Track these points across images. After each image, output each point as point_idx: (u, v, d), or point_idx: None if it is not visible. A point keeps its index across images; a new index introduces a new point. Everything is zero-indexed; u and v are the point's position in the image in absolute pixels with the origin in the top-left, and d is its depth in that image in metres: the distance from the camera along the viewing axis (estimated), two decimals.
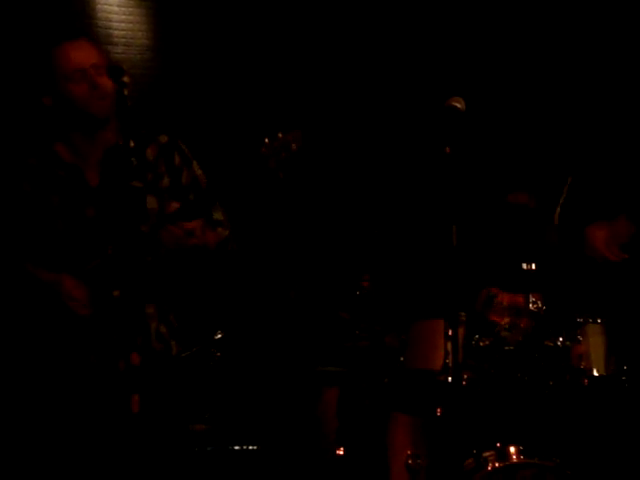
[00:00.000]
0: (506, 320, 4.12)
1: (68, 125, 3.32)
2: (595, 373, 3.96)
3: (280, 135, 3.12)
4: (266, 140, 3.11)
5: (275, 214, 5.35)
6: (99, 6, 5.47)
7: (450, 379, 3.74)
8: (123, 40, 5.48)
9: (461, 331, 3.92)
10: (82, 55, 3.28)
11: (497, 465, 3.79)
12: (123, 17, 5.52)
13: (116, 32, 5.44)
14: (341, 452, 4.16)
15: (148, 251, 3.24)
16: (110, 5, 5.49)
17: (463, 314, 4.00)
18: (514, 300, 4.15)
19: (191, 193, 3.40)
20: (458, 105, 3.22)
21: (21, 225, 3.30)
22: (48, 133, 3.41)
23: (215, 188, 3.34)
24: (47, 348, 3.21)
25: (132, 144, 3.29)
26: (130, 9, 5.54)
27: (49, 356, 3.20)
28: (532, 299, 4.13)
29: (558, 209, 4.52)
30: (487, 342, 4.06)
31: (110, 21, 5.46)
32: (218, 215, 3.39)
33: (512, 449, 3.84)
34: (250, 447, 4.52)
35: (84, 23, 5.43)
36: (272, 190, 3.19)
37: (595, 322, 4.03)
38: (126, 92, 3.08)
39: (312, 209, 5.60)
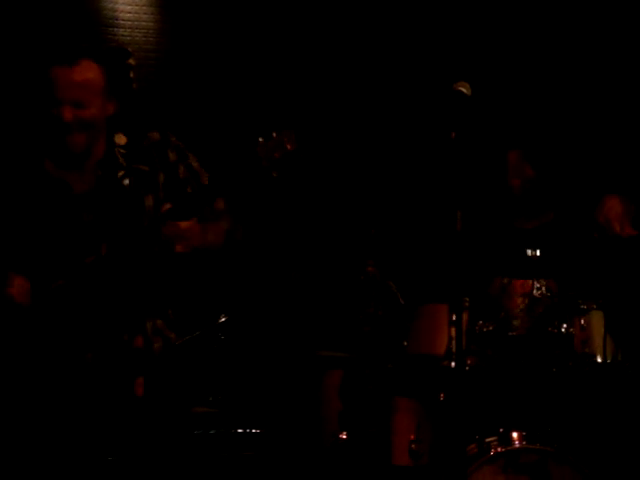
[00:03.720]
0: (520, 307, 4.12)
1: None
2: (598, 359, 3.97)
3: (274, 135, 3.09)
4: (260, 139, 3.08)
5: (271, 209, 5.32)
6: None
7: (453, 364, 3.74)
8: (129, 23, 5.46)
9: (465, 316, 3.92)
10: (68, 85, 3.15)
11: (500, 450, 3.80)
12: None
13: (122, 15, 5.43)
14: (344, 436, 4.17)
15: (147, 249, 3.20)
16: None
17: (467, 299, 4.00)
18: (528, 287, 4.15)
19: (189, 186, 3.36)
20: (464, 90, 3.20)
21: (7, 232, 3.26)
22: (40, 145, 3.33)
23: (216, 181, 3.32)
24: (48, 332, 3.20)
25: (124, 140, 3.27)
26: None
27: (51, 339, 3.19)
28: (537, 285, 4.13)
29: None
30: (491, 328, 4.06)
31: (116, 3, 5.45)
32: (219, 204, 3.36)
33: (515, 434, 3.84)
34: (253, 430, 4.53)
35: (90, 5, 5.41)
36: (266, 188, 3.16)
37: (599, 309, 4.03)
38: (132, 75, 3.07)
39: (311, 197, 5.58)
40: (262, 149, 3.06)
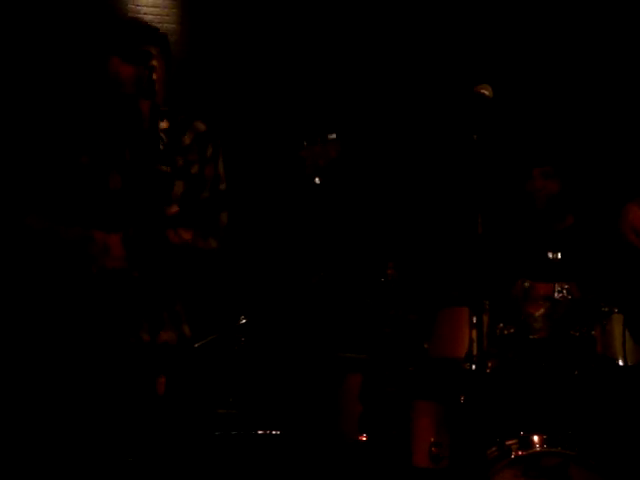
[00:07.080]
0: (541, 311, 4.11)
1: None
2: (620, 363, 3.95)
3: (319, 140, 3.08)
4: (305, 144, 3.07)
5: (305, 212, 5.32)
6: None
7: (474, 367, 3.74)
8: (152, 25, 5.49)
9: (486, 319, 3.91)
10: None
11: (520, 453, 3.79)
12: (151, 1, 5.53)
13: (145, 17, 5.45)
14: (364, 438, 4.17)
15: (166, 235, 3.20)
16: None
17: (487, 302, 3.99)
18: (550, 290, 4.14)
19: (207, 189, 3.35)
20: (486, 92, 3.21)
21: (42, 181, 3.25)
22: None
23: (231, 193, 3.33)
24: (69, 326, 3.21)
25: (166, 125, 3.28)
26: None
27: (73, 335, 3.20)
28: (558, 288, 4.12)
29: None
30: (512, 330, 4.05)
31: (139, 5, 5.48)
32: (224, 218, 3.36)
33: (536, 438, 3.83)
34: (273, 432, 4.54)
35: (114, 7, 5.45)
36: (307, 193, 3.15)
37: (620, 312, 4.01)
38: (154, 76, 3.09)
39: (342, 204, 5.58)
40: (307, 153, 3.04)
